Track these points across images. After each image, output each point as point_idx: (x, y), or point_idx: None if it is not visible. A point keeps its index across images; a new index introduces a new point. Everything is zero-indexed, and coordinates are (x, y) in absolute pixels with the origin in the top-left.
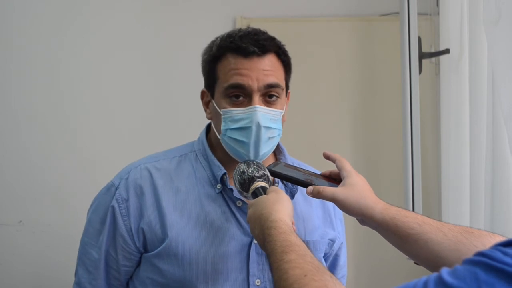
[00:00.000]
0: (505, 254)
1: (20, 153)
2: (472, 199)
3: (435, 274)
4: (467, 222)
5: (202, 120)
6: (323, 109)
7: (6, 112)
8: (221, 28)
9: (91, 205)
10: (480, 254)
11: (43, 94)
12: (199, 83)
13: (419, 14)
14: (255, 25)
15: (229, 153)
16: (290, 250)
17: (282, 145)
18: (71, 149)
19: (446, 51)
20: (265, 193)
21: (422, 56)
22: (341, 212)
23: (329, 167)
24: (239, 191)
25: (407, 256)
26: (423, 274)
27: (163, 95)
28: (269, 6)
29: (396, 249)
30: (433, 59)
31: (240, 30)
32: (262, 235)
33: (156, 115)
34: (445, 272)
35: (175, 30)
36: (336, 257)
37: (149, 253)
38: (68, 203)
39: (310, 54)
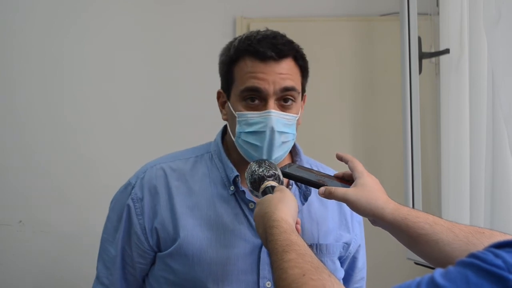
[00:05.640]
0: (497, 256)
1: (20, 153)
2: (472, 199)
3: (428, 275)
4: (467, 222)
5: (203, 120)
6: (323, 109)
7: (7, 112)
8: (221, 28)
9: (111, 203)
10: (472, 255)
11: (44, 95)
12: (200, 83)
13: (419, 14)
14: (255, 25)
15: (243, 156)
16: (290, 250)
17: (299, 146)
18: (72, 149)
19: (446, 51)
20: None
21: (422, 56)
22: None
23: (330, 166)
24: (250, 190)
25: (407, 256)
26: (423, 274)
27: (164, 95)
28: (269, 6)
29: (395, 249)
30: (433, 59)
31: (258, 32)
32: (264, 234)
33: (158, 115)
34: (438, 273)
35: (175, 30)
36: (354, 260)
37: (162, 253)
38: (69, 203)
39: (310, 54)
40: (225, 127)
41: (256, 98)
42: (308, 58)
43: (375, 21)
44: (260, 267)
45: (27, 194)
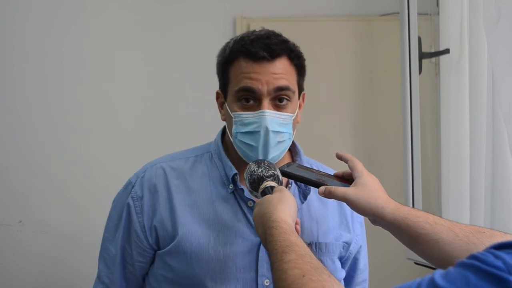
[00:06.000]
0: (497, 257)
1: (20, 153)
2: (472, 199)
3: (429, 276)
4: (467, 222)
5: (203, 120)
6: (323, 109)
7: (7, 112)
8: (221, 28)
9: (113, 202)
10: (472, 257)
11: (44, 95)
12: (200, 83)
13: (419, 14)
14: (255, 25)
15: (241, 155)
16: (290, 250)
17: (299, 146)
18: (72, 149)
19: (446, 51)
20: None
21: (422, 56)
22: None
23: (330, 166)
24: (249, 190)
25: (407, 256)
26: (423, 274)
27: (164, 95)
28: (269, 6)
29: (395, 249)
30: (433, 59)
31: (253, 32)
32: (264, 235)
33: (158, 115)
34: (438, 274)
35: (175, 30)
36: (355, 261)
37: (161, 251)
38: (68, 203)
39: (310, 54)
40: (225, 127)
41: (250, 99)
42: (308, 58)
43: (375, 21)
44: (259, 265)
45: (27, 194)
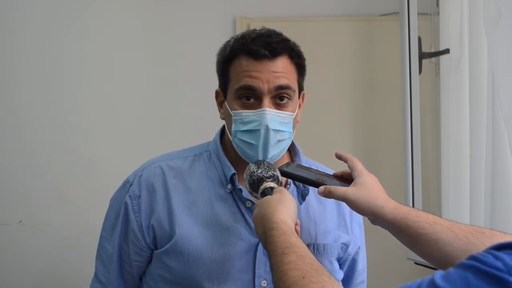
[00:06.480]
0: (497, 258)
1: (20, 153)
2: (472, 199)
3: (429, 276)
4: (467, 222)
5: (203, 120)
6: (323, 109)
7: (7, 112)
8: (221, 28)
9: (110, 201)
10: (472, 257)
11: (44, 95)
12: (200, 83)
13: (419, 14)
14: (255, 25)
15: (240, 154)
16: (290, 252)
17: (298, 146)
18: (72, 149)
19: (446, 51)
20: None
21: (422, 56)
22: (360, 216)
23: (330, 166)
24: (249, 191)
25: (407, 256)
26: (423, 274)
27: (164, 95)
28: (269, 6)
29: (395, 248)
30: (433, 59)
31: (254, 31)
32: (264, 236)
33: (158, 115)
34: (438, 275)
35: (175, 30)
36: (353, 262)
37: (159, 250)
38: (68, 203)
39: (310, 54)
40: (223, 126)
41: (251, 97)
42: (308, 58)
43: (375, 21)
44: (256, 266)
45: (27, 194)
